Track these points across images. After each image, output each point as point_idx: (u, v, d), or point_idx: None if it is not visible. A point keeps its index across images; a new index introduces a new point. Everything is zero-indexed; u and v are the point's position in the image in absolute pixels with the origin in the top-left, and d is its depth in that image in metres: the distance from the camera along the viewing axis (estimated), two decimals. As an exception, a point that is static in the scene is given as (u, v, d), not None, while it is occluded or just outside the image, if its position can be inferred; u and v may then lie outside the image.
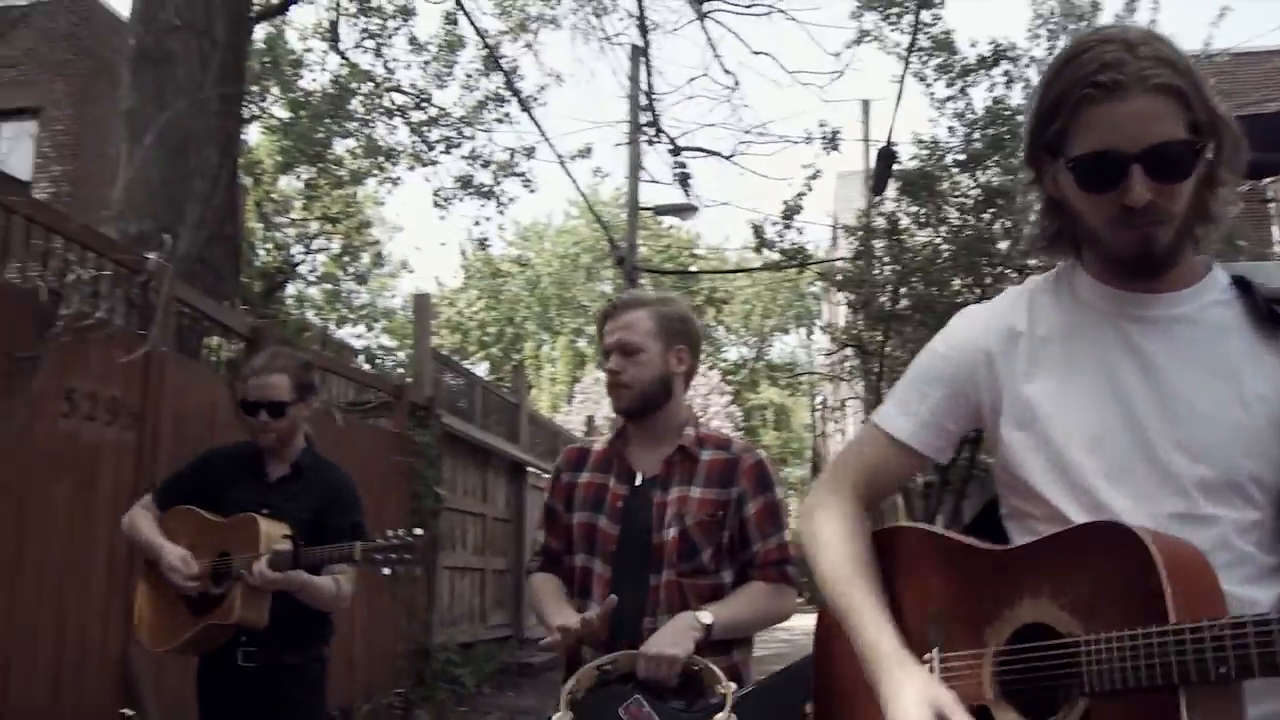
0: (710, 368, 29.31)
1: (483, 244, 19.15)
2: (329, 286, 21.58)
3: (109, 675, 5.13)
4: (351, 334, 26.05)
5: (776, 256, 15.53)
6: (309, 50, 13.02)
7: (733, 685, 2.43)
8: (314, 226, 15.90)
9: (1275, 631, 1.19)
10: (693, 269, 31.50)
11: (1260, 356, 1.47)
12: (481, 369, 34.12)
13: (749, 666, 2.73)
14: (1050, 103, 1.48)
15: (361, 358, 15.76)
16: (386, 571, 3.19)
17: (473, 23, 10.20)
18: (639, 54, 16.34)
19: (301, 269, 17.66)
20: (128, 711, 5.07)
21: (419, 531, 3.22)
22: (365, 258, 20.87)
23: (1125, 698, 1.29)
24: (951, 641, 1.52)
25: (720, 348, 40.30)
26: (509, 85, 11.41)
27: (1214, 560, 1.36)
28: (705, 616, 2.55)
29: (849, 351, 15.86)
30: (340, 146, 13.61)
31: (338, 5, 10.28)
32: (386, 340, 32.14)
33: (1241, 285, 1.53)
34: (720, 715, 2.34)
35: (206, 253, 8.02)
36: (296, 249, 16.19)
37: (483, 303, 33.30)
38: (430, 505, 8.84)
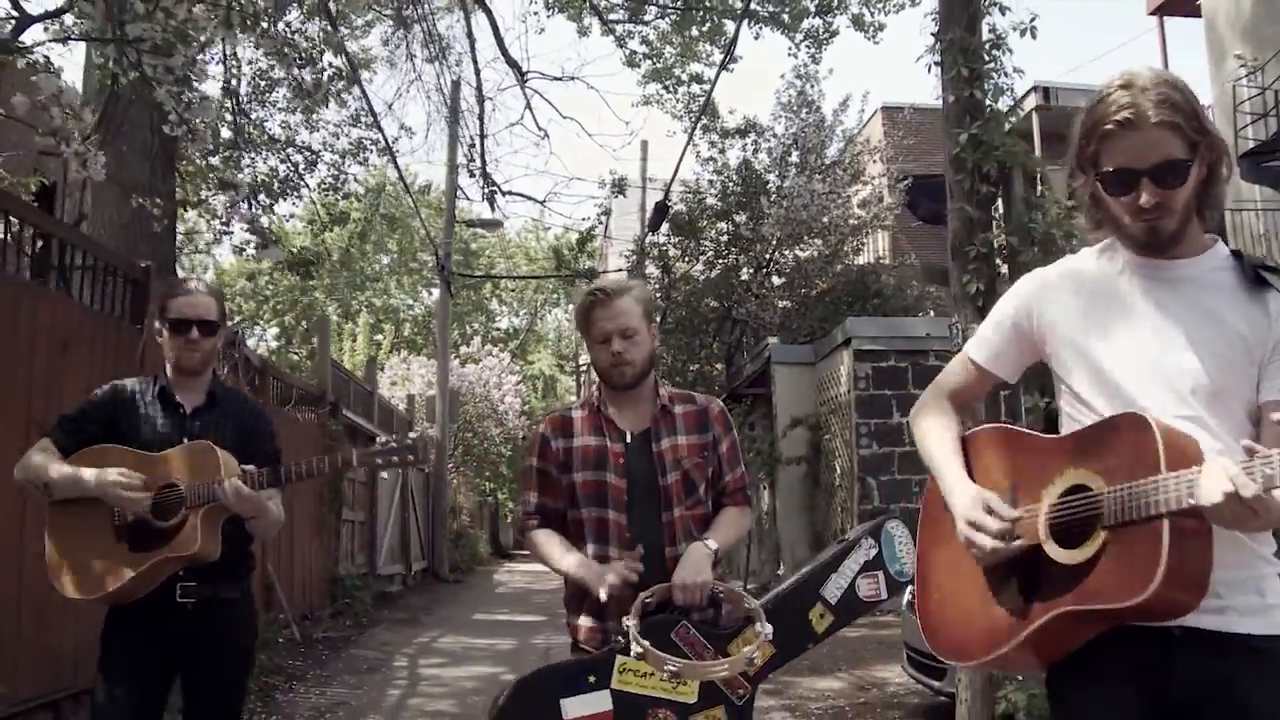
0: (497, 345, 32.57)
1: (268, 240, 20.87)
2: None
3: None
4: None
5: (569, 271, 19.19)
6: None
7: (756, 601, 2.85)
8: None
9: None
10: (495, 272, 34.67)
11: (1244, 307, 2.00)
12: (272, 333, 36.25)
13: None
14: (1085, 131, 2.03)
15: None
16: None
17: (359, 81, 12.65)
18: (457, 89, 19.54)
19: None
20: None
21: (414, 434, 3.42)
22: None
23: (1129, 527, 1.84)
24: (1020, 501, 2.06)
25: (493, 318, 43.84)
26: (377, 126, 14.44)
27: (1207, 445, 1.89)
28: (712, 543, 2.94)
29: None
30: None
31: (235, 74, 12.69)
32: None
33: (1237, 256, 2.07)
34: (758, 625, 2.76)
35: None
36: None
37: (277, 272, 35.22)
38: (342, 476, 12.23)
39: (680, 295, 18.12)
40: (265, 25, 6.75)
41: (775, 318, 17.63)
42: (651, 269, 18.74)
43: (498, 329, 43.12)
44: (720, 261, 18.51)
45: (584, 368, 30.14)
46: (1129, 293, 2.09)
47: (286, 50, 7.43)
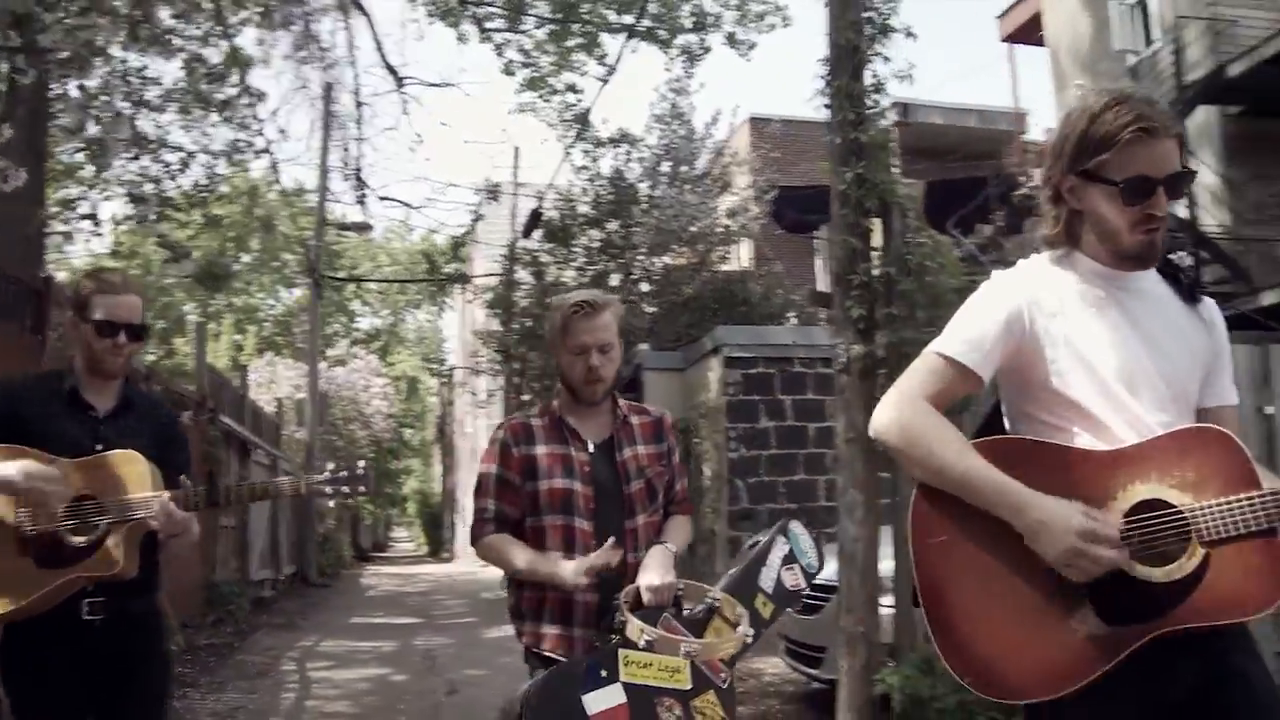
0: (360, 345, 32.23)
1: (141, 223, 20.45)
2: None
3: None
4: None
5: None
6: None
7: (719, 591, 3.02)
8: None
9: None
10: (359, 273, 34.41)
11: (1192, 319, 2.15)
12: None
13: None
14: (1095, 141, 2.03)
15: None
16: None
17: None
18: (329, 91, 19.47)
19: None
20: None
21: (363, 463, 3.21)
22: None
23: (1236, 541, 1.85)
24: None
25: (354, 318, 43.28)
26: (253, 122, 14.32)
27: None
28: (671, 547, 3.06)
29: (487, 351, 19.74)
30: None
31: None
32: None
33: (1165, 272, 2.18)
34: (737, 609, 2.99)
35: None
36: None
37: (136, 272, 34.19)
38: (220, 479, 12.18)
39: (553, 300, 18.37)
40: (171, 39, 6.82)
41: (644, 323, 18.09)
42: (523, 274, 19.00)
43: (359, 330, 42.63)
44: (591, 268, 18.87)
45: (449, 369, 30.08)
46: (1106, 302, 2.10)
47: (195, 66, 7.48)
